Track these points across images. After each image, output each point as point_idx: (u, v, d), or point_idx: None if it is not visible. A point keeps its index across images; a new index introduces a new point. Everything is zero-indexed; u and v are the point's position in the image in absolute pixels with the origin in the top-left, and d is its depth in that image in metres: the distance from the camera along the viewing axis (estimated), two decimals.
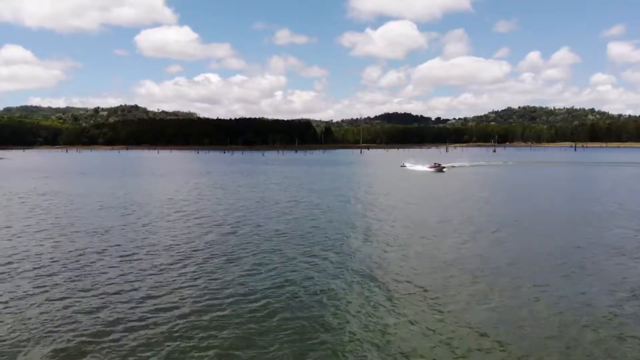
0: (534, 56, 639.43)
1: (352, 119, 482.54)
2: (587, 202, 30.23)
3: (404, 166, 69.83)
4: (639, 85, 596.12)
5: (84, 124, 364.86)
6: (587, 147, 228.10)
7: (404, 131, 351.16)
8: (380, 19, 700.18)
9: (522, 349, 8.62)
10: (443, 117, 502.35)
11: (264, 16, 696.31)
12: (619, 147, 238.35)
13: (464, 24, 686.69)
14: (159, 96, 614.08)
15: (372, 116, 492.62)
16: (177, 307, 10.79)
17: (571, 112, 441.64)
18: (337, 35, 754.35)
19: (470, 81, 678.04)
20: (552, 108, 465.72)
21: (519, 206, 28.17)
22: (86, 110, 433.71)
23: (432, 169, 59.96)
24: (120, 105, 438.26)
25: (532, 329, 9.50)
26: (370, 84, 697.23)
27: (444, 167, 60.11)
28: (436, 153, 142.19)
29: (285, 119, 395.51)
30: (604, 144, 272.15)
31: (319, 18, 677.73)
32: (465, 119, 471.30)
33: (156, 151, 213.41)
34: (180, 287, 12.17)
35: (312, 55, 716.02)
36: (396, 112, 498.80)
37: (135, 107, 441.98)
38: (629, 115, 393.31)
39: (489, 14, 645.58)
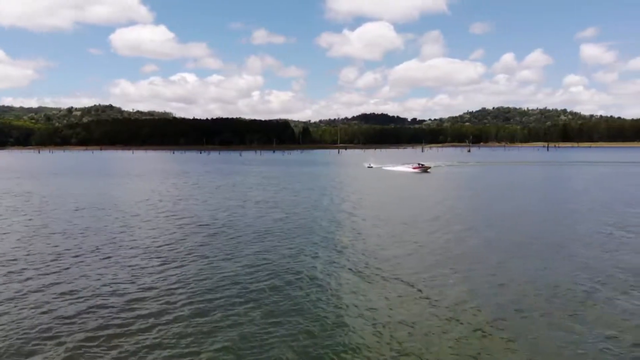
0: (508, 58, 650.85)
1: (329, 119, 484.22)
2: (561, 199, 31.32)
3: (371, 167, 68.31)
4: (610, 86, 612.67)
5: (57, 124, 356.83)
6: (559, 147, 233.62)
7: (380, 132, 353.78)
8: (357, 20, 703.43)
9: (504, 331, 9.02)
10: (419, 117, 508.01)
11: (241, 16, 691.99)
12: (590, 147, 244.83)
13: (440, 25, 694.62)
14: (134, 96, 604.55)
15: (349, 117, 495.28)
16: (155, 308, 10.65)
17: (544, 113, 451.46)
18: (315, 36, 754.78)
19: (446, 82, 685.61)
20: (526, 109, 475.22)
21: (496, 205, 28.84)
22: (59, 110, 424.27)
23: (416, 170, 58.21)
24: (94, 105, 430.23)
25: (507, 309, 10.00)
26: (347, 85, 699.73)
27: (428, 168, 58.91)
28: (412, 153, 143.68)
29: (263, 119, 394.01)
30: (575, 144, 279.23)
31: (297, 18, 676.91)
32: (440, 119, 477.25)
33: (131, 151, 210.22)
34: (157, 286, 12.00)
35: (289, 55, 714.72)
36: (373, 113, 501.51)
37: (110, 107, 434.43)
38: (600, 116, 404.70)
39: (465, 16, 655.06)
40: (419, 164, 60.69)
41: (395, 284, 12.45)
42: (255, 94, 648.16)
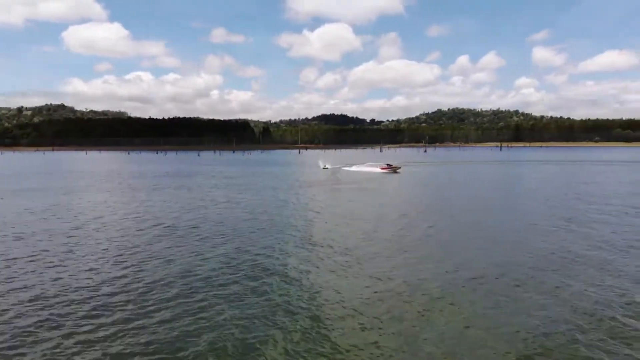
0: (463, 60, 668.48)
1: (290, 119, 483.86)
2: (514, 194, 33.08)
3: (326, 168, 65.55)
4: (560, 88, 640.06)
5: (6, 124, 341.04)
6: (511, 146, 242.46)
7: (340, 132, 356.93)
8: (317, 21, 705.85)
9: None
10: (377, 118, 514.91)
11: (199, 14, 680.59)
12: (541, 146, 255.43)
13: (397, 27, 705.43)
14: (87, 95, 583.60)
15: (310, 117, 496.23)
16: (122, 314, 10.44)
17: (497, 114, 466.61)
18: (275, 36, 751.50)
19: (403, 84, 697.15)
20: (480, 110, 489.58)
21: (458, 201, 29.97)
22: (9, 109, 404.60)
23: (385, 170, 56.60)
24: (46, 105, 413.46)
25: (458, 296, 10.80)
26: (307, 85, 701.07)
27: (398, 168, 57.57)
28: (371, 153, 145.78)
29: (222, 119, 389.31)
30: (527, 144, 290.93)
31: (256, 18, 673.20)
32: (398, 120, 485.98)
33: (84, 152, 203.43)
34: (120, 292, 11.78)
35: (249, 55, 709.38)
36: (333, 114, 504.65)
37: (62, 106, 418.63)
38: (551, 117, 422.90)
39: (421, 18, 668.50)
40: (387, 164, 59.22)
41: (365, 280, 12.84)
42: (214, 93, 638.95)
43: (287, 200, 30.80)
